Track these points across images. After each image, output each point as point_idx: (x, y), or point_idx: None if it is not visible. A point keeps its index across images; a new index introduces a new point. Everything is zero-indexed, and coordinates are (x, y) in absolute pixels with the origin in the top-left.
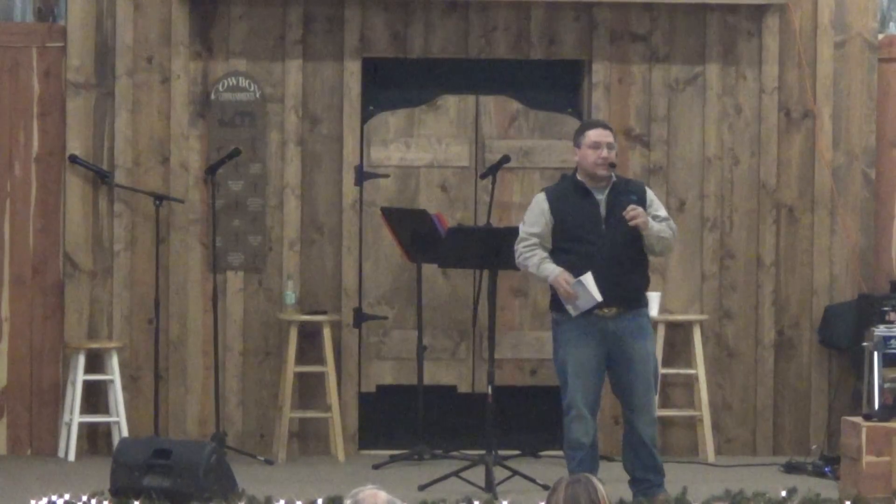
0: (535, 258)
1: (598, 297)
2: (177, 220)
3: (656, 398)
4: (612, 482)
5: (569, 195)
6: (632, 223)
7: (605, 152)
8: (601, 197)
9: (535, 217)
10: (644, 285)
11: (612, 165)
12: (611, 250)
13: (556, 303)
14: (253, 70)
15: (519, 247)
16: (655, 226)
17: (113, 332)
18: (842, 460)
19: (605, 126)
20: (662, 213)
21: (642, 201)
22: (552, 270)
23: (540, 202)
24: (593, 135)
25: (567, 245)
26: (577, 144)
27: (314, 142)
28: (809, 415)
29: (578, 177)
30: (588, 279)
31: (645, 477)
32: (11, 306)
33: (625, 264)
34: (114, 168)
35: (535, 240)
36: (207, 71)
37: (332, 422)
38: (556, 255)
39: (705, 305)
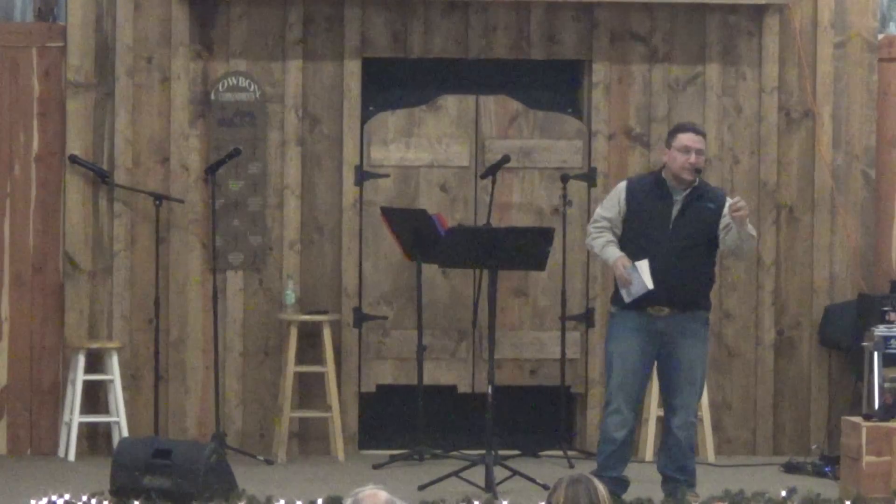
0: (601, 239)
1: (650, 285)
2: (177, 219)
3: (699, 402)
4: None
5: (648, 189)
6: (737, 214)
7: (693, 157)
8: (678, 198)
9: (611, 202)
10: (703, 291)
11: (698, 171)
12: (673, 251)
13: (616, 296)
14: (253, 70)
15: (590, 227)
16: (749, 225)
17: (113, 332)
18: (842, 460)
19: (697, 131)
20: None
21: (720, 208)
22: (613, 253)
23: (619, 189)
24: (684, 139)
25: (633, 236)
26: (668, 145)
27: (314, 142)
28: (809, 415)
29: (663, 174)
30: (643, 265)
31: (675, 476)
32: (11, 306)
33: (685, 267)
34: (114, 168)
35: (606, 223)
36: (207, 71)
37: (332, 422)
38: (622, 243)
39: None
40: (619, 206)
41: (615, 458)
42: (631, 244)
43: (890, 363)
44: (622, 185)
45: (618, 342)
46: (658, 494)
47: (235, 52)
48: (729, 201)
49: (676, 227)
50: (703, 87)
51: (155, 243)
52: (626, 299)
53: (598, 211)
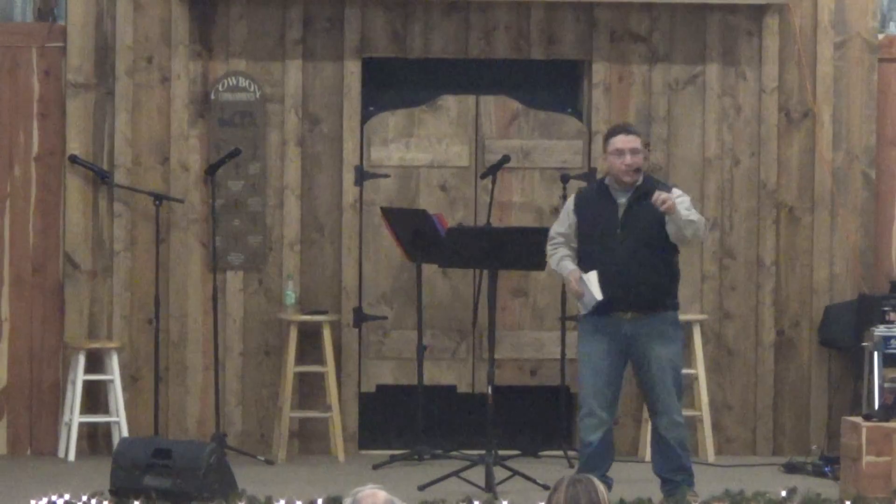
0: (556, 255)
1: (598, 296)
2: (177, 220)
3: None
4: (625, 483)
5: (593, 197)
6: (662, 207)
7: (628, 159)
8: (622, 200)
9: (562, 217)
10: (665, 290)
11: (638, 170)
12: (626, 253)
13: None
14: (253, 70)
15: (547, 245)
16: (683, 210)
17: (113, 332)
18: (842, 460)
19: (628, 131)
20: (688, 205)
21: None
22: (566, 267)
23: (569, 203)
24: (617, 142)
25: (587, 246)
26: (604, 150)
27: (314, 142)
28: (809, 415)
29: (606, 181)
30: (591, 277)
31: (672, 478)
32: (11, 306)
33: (640, 268)
34: (114, 168)
35: (560, 239)
36: (207, 71)
37: (332, 422)
38: (581, 255)
39: (705, 305)
40: (569, 220)
41: (595, 461)
42: (586, 254)
43: (890, 363)
44: (571, 198)
45: (585, 346)
46: (658, 494)
47: (235, 52)
48: (661, 196)
49: (625, 230)
50: (703, 88)
51: (155, 243)
52: (582, 311)
53: (553, 227)
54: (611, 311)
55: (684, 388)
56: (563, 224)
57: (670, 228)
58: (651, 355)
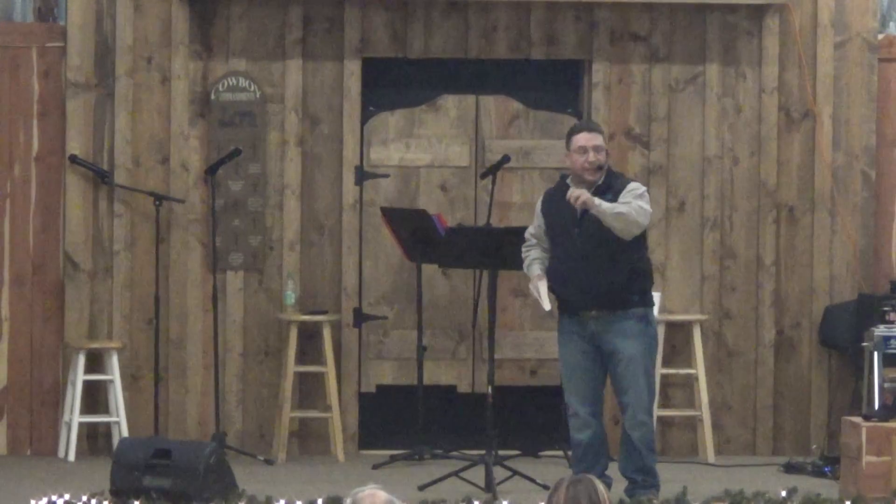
0: (527, 259)
1: (546, 306)
2: (177, 220)
3: (651, 399)
4: (623, 482)
5: (556, 197)
6: (576, 204)
7: (591, 156)
8: None
9: (534, 219)
10: (628, 287)
11: (601, 167)
12: (583, 251)
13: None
14: (253, 70)
15: (522, 246)
16: (606, 204)
17: (113, 332)
18: (842, 460)
19: (591, 129)
20: (630, 198)
21: (616, 196)
22: (531, 272)
23: (538, 203)
24: (579, 139)
25: (553, 246)
26: (567, 148)
27: (314, 142)
28: (809, 415)
29: (568, 179)
30: (541, 286)
31: (632, 477)
32: (11, 306)
33: (598, 266)
34: (114, 168)
35: (532, 241)
36: (207, 71)
37: (332, 422)
38: (551, 256)
39: (705, 305)
40: (538, 220)
41: (587, 460)
42: (553, 254)
43: (890, 363)
44: (540, 198)
45: (562, 346)
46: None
47: (235, 52)
48: (573, 193)
49: (582, 228)
50: (703, 88)
51: (155, 243)
52: (540, 314)
53: (528, 229)
54: (577, 310)
55: (683, 389)
56: (534, 224)
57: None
58: (618, 353)
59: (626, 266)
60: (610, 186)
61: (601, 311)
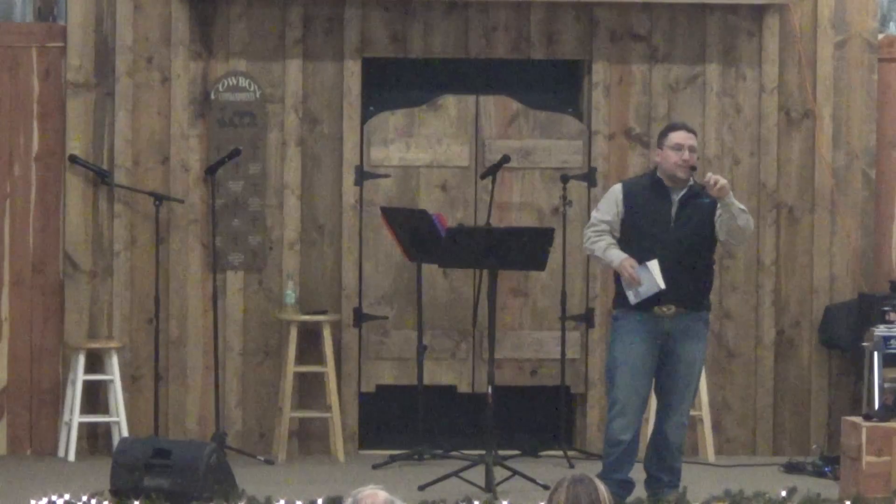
0: (602, 242)
1: (662, 284)
2: (177, 220)
3: (692, 404)
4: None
5: (645, 190)
6: (715, 188)
7: (686, 154)
8: (676, 197)
9: (608, 205)
10: (706, 290)
11: (693, 168)
12: (675, 250)
13: (620, 299)
14: (253, 70)
15: (588, 231)
16: (736, 201)
17: (113, 332)
18: (842, 460)
19: (688, 129)
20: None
21: (714, 202)
22: (617, 255)
23: (615, 192)
24: (676, 137)
25: (634, 238)
26: (660, 145)
27: (314, 142)
28: (809, 415)
29: (658, 174)
30: (654, 265)
31: (658, 475)
32: (11, 306)
33: (688, 265)
34: (114, 168)
35: (605, 226)
36: (207, 71)
37: (332, 422)
38: (622, 246)
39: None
40: (616, 209)
41: (622, 461)
42: (632, 246)
43: (890, 363)
44: (618, 187)
45: (623, 345)
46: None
47: (235, 52)
48: (714, 177)
49: (677, 226)
50: (703, 87)
51: (155, 243)
52: (633, 301)
53: (595, 215)
54: (653, 306)
55: None
56: (610, 212)
57: (723, 218)
58: (683, 354)
59: (708, 268)
60: (701, 190)
61: (679, 309)
